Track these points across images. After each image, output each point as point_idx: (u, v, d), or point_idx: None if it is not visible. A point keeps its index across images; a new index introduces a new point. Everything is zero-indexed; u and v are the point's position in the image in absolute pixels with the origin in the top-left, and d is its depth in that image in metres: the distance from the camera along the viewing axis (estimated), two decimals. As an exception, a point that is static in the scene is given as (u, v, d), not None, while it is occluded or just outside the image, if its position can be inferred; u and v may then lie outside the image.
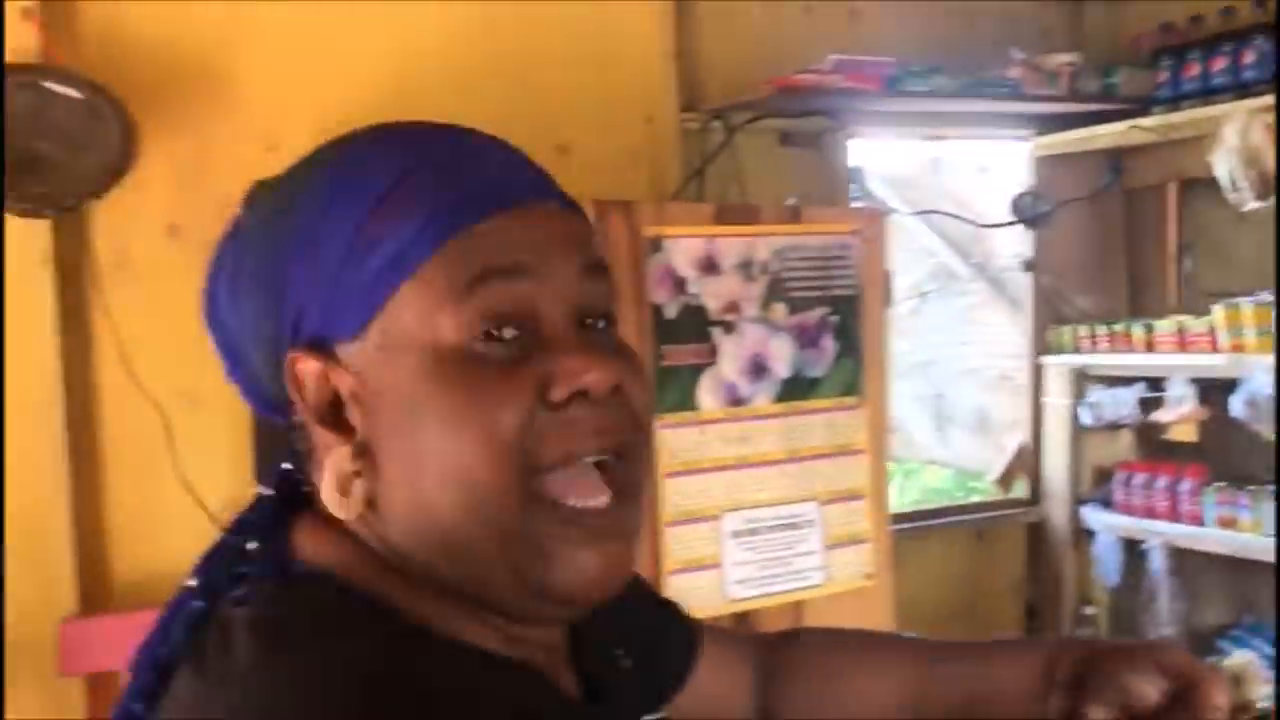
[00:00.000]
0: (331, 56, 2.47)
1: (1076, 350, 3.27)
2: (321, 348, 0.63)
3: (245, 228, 0.68)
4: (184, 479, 2.29)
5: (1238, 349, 2.83)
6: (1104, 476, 3.37)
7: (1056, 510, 3.37)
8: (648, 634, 0.84)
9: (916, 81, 2.69)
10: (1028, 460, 3.45)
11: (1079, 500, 3.34)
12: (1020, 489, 3.47)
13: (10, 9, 2.13)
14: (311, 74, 2.43)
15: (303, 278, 0.63)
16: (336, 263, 0.62)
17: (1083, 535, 3.34)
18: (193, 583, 0.66)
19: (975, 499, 3.80)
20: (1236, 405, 2.76)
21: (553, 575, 0.61)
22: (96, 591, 2.25)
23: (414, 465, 0.61)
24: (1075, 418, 3.29)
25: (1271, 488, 2.90)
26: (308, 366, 0.64)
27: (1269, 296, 2.83)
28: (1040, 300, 3.42)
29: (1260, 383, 2.74)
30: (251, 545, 0.65)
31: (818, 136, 3.00)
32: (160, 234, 2.33)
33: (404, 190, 0.62)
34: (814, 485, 0.81)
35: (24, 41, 2.14)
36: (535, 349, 0.62)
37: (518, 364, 0.61)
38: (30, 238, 2.17)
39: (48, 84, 2.03)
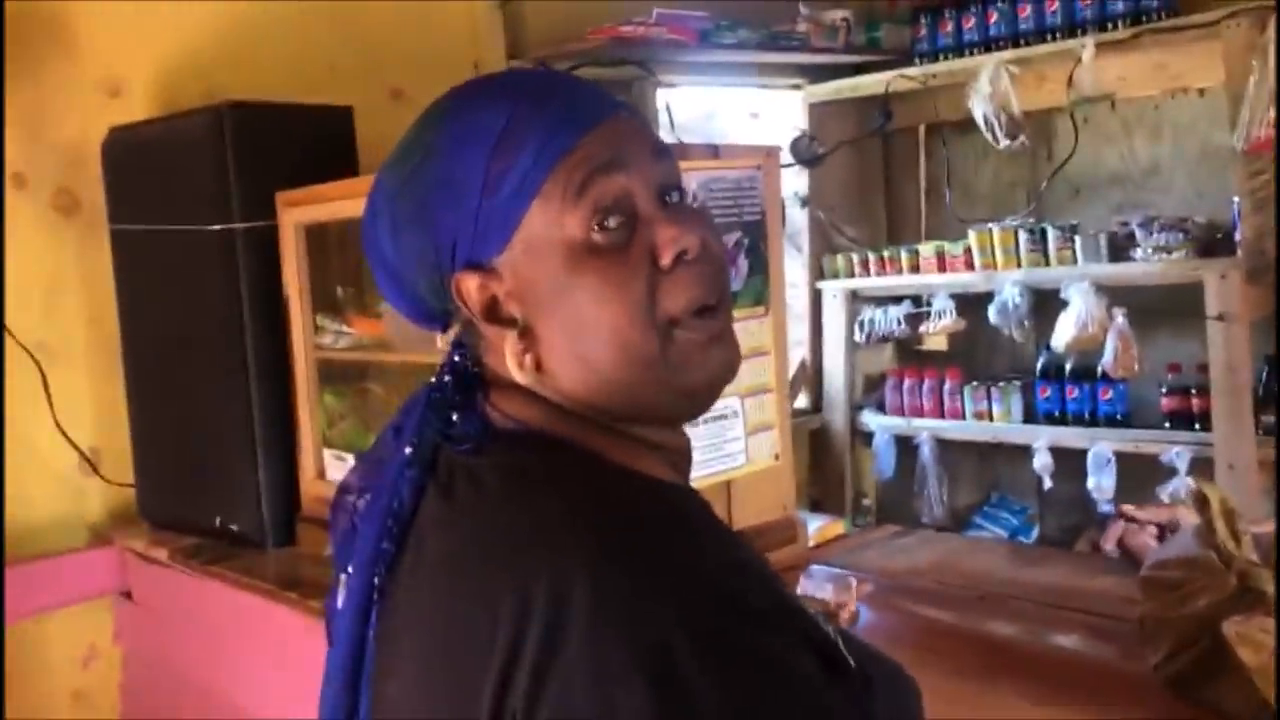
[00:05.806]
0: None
1: (850, 275, 3.71)
2: (476, 265, 0.82)
3: (393, 181, 0.85)
4: (57, 426, 2.29)
5: (989, 267, 3.34)
6: (874, 385, 3.86)
7: (836, 416, 3.82)
8: None
9: (724, 35, 2.98)
10: (809, 374, 3.88)
11: (855, 406, 3.81)
12: (804, 400, 3.90)
13: None
14: (151, 18, 2.42)
15: (450, 216, 0.81)
16: (475, 198, 0.80)
17: (859, 437, 3.82)
18: (408, 448, 0.83)
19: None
20: (992, 314, 3.26)
21: (690, 376, 0.81)
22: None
23: (572, 333, 0.79)
24: (850, 334, 3.74)
25: (1017, 381, 3.45)
26: (469, 283, 0.82)
27: (1013, 221, 3.35)
28: (815, 232, 3.84)
29: (1009, 294, 3.25)
30: (455, 414, 0.83)
31: (629, 85, 3.24)
32: (5, 183, 2.28)
33: (515, 129, 0.79)
34: (736, 383, 1.03)
35: None
36: (637, 229, 0.79)
37: (629, 244, 0.79)
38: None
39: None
